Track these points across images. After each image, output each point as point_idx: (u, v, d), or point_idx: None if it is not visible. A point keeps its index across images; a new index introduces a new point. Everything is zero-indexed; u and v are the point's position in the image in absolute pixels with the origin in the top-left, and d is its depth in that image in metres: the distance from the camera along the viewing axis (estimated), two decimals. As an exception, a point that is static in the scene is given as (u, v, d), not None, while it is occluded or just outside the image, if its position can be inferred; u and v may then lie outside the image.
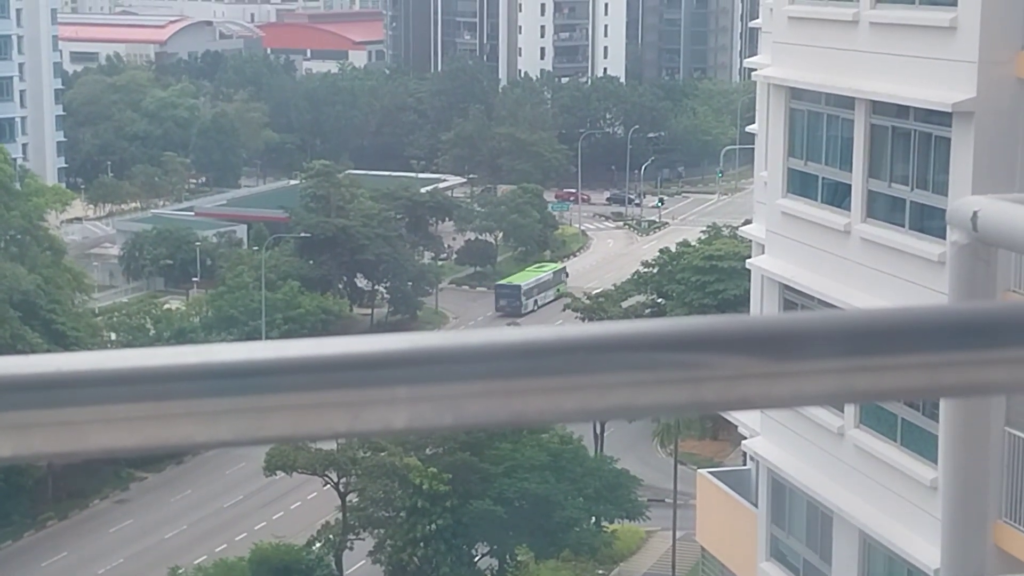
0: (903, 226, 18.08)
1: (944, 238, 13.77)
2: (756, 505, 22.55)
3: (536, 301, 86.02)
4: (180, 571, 48.54)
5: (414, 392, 1.02)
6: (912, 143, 17.79)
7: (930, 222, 17.43)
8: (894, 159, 18.28)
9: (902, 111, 17.91)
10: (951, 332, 1.11)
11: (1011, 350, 1.11)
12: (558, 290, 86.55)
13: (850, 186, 19.03)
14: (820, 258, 19.82)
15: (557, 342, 1.05)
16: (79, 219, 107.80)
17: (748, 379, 1.07)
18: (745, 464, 25.64)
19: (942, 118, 16.96)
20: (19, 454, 0.96)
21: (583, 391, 1.04)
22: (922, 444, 17.59)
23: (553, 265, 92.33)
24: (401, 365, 1.02)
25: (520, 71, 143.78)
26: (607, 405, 1.06)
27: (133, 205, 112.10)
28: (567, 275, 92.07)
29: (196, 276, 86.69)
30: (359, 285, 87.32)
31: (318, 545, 53.92)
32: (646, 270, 76.37)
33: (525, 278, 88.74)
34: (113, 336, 71.98)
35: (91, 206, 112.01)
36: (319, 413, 1.01)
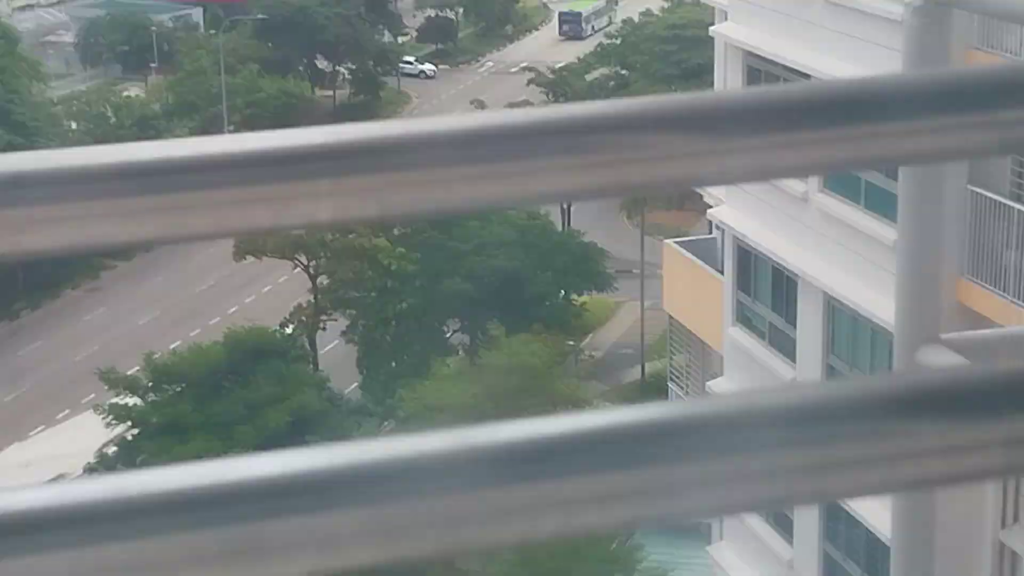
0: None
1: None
2: (722, 272, 22.82)
3: (593, 27, 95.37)
4: (155, 356, 49.01)
5: (337, 185, 1.01)
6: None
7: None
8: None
9: None
10: (904, 99, 1.11)
11: (965, 115, 1.10)
12: (609, 18, 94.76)
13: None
14: (784, 22, 19.64)
15: (481, 129, 1.04)
16: (31, 6, 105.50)
17: (675, 159, 1.07)
18: (711, 233, 25.84)
19: None
20: None
21: (508, 178, 1.04)
22: (885, 205, 17.74)
23: None
24: (323, 158, 1.01)
25: None
26: (533, 191, 1.05)
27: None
28: (617, 3, 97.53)
29: (154, 62, 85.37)
30: (320, 67, 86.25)
31: (291, 327, 54.49)
32: (609, 42, 75.60)
33: (584, 6, 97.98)
34: (74, 125, 71.27)
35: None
36: (242, 208, 1.00)
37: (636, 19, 75.89)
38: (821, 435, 0.98)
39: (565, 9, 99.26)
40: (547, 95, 71.42)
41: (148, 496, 0.91)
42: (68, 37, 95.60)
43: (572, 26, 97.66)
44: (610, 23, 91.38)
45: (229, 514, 0.91)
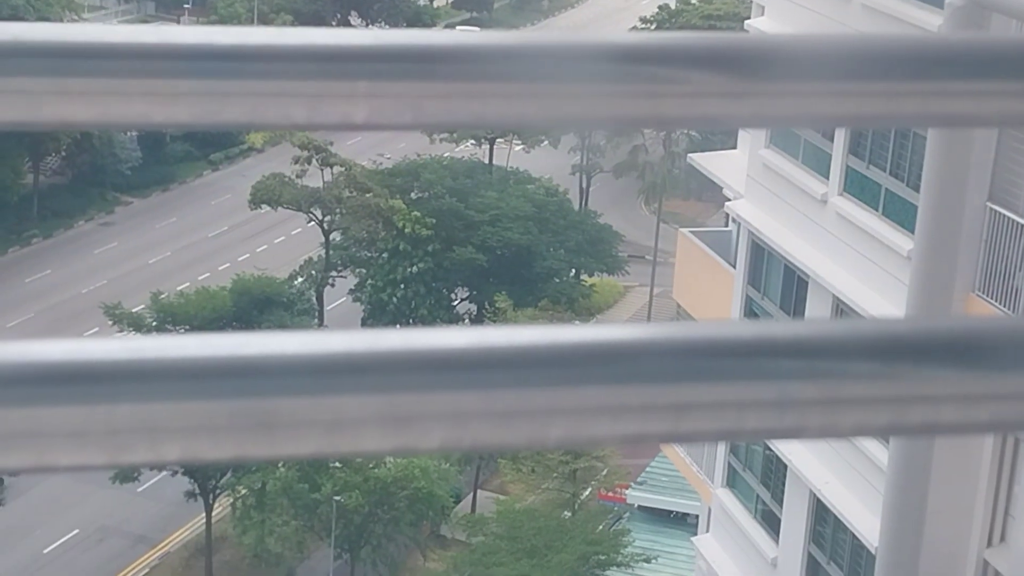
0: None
1: None
2: (734, 266, 22.81)
3: None
4: (162, 296, 49.08)
5: (374, 88, 1.01)
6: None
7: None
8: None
9: None
10: (943, 61, 1.11)
11: (1003, 82, 1.10)
12: None
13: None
14: (820, 22, 19.58)
15: (520, 47, 1.05)
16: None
17: (712, 96, 1.08)
18: (727, 226, 25.81)
19: None
20: None
21: (543, 98, 1.04)
22: (903, 214, 17.71)
23: None
24: (363, 59, 1.01)
25: None
26: (566, 113, 1.06)
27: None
28: None
29: (188, 3, 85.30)
30: (353, 23, 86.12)
31: (300, 280, 54.54)
32: (644, 26, 75.33)
33: None
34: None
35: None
36: (278, 102, 1.00)
37: (673, 6, 75.57)
38: (833, 370, 1.00)
39: None
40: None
41: (164, 361, 0.92)
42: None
43: None
44: None
45: (242, 387, 0.92)
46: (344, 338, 0.95)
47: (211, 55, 0.99)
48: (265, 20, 75.88)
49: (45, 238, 63.55)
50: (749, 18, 23.98)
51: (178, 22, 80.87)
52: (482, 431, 0.96)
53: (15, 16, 64.22)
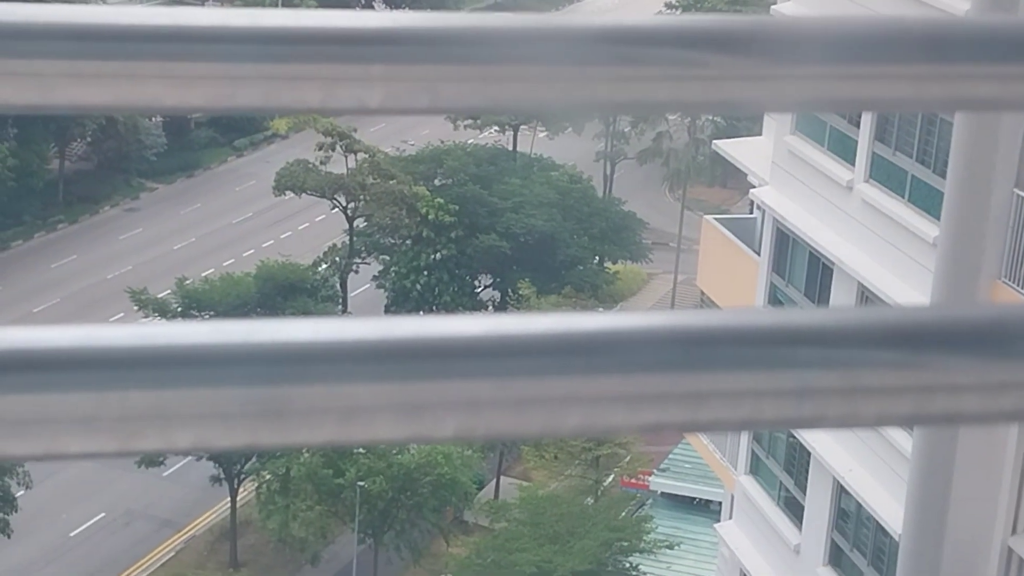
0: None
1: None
2: (759, 253, 22.75)
3: None
4: (187, 281, 49.25)
5: (389, 71, 1.00)
6: None
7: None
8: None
9: None
10: (968, 43, 1.10)
11: None
12: None
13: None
14: (847, 6, 19.48)
15: (538, 31, 1.03)
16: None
17: (735, 80, 1.06)
18: (752, 213, 25.75)
19: None
20: None
21: (563, 81, 1.03)
22: (929, 201, 17.64)
23: None
24: (378, 42, 0.99)
25: None
26: (587, 96, 1.05)
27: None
28: None
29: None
30: (376, 7, 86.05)
31: (324, 266, 54.65)
32: (669, 11, 75.13)
33: None
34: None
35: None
36: (292, 85, 0.99)
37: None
38: (854, 359, 0.98)
39: None
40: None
41: (175, 348, 0.91)
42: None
43: None
44: None
45: (254, 374, 0.91)
46: (357, 325, 0.94)
47: (225, 38, 0.97)
48: (289, 2, 75.93)
49: (70, 223, 63.81)
50: (775, 2, 23.87)
51: (202, 3, 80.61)
52: (497, 420, 0.95)
53: None
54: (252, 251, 58.87)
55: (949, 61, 1.09)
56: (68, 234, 63.03)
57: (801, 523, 21.15)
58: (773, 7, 23.17)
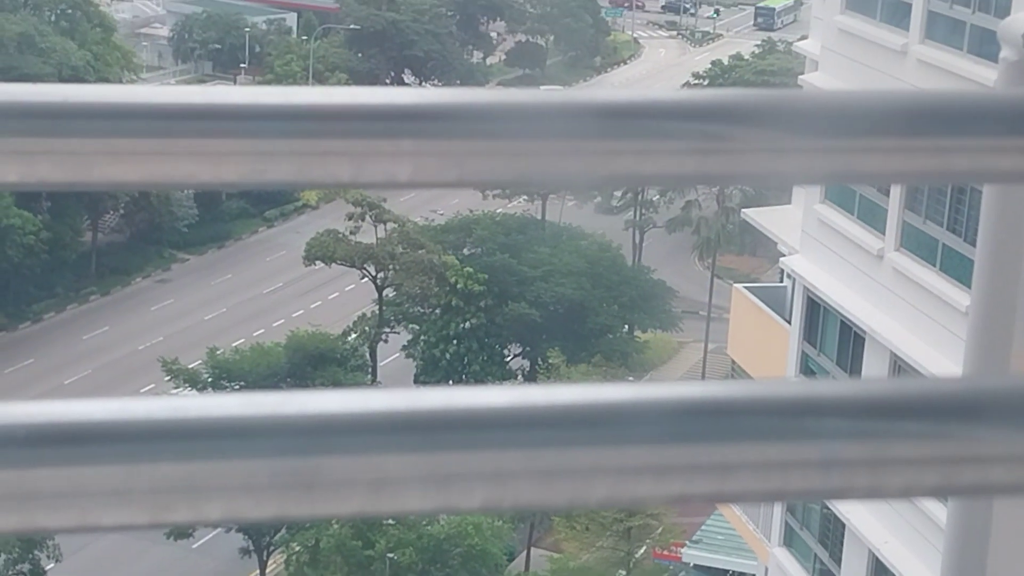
0: (961, 49, 17.76)
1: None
2: (789, 322, 22.68)
3: (783, 21, 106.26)
4: (218, 351, 49.39)
5: (419, 146, 1.01)
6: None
7: (988, 47, 17.11)
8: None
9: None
10: (994, 116, 1.10)
11: None
12: (795, 17, 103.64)
13: (910, 4, 18.65)
14: (875, 77, 19.54)
15: (566, 105, 1.04)
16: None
17: (758, 152, 1.07)
18: (782, 281, 25.71)
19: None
20: (25, 181, 0.98)
21: (589, 156, 1.04)
22: (960, 270, 17.57)
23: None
24: (407, 118, 1.01)
25: None
26: (612, 172, 1.06)
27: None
28: (802, 3, 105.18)
29: (244, 62, 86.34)
30: (407, 81, 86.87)
31: (353, 336, 54.72)
32: (696, 82, 75.47)
33: (778, 3, 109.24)
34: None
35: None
36: (323, 160, 1.01)
37: (726, 62, 75.69)
38: (880, 430, 0.98)
39: (761, 4, 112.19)
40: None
41: (206, 420, 0.92)
42: (163, 31, 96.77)
43: (766, 19, 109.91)
44: (795, 20, 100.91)
45: (284, 446, 0.92)
46: (385, 397, 0.94)
47: (257, 115, 0.99)
48: (320, 78, 76.65)
49: (103, 295, 64.16)
50: (803, 73, 23.96)
51: (234, 81, 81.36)
52: (524, 490, 0.95)
53: (76, 77, 65.20)
54: (282, 321, 59.01)
55: (974, 134, 1.09)
56: (100, 305, 63.36)
57: (835, 595, 20.92)
58: (801, 77, 23.26)
